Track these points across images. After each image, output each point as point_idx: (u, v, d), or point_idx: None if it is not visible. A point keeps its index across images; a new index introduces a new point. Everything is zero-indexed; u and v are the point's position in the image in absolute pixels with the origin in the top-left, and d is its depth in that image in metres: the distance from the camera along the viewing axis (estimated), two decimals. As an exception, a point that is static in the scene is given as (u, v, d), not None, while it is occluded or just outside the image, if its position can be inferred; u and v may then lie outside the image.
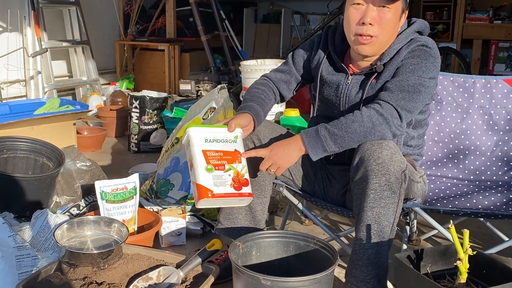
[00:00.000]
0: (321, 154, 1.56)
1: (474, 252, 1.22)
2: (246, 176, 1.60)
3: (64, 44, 4.54)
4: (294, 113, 3.02)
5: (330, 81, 1.75)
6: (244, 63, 3.44)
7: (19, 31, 4.22)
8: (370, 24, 1.59)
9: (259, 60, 3.49)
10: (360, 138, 1.54)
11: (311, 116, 1.97)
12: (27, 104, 3.00)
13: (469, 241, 1.22)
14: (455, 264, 1.22)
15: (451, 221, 1.26)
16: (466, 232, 1.22)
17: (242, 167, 1.60)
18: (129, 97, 3.63)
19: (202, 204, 1.54)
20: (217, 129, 1.63)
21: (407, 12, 1.68)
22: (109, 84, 5.21)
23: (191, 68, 5.65)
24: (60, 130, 2.79)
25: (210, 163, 1.57)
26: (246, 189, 1.58)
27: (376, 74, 1.66)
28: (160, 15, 5.66)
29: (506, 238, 1.87)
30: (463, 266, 1.21)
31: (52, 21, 4.57)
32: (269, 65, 3.34)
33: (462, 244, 1.23)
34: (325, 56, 1.76)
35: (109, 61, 5.53)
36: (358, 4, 1.61)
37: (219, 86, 2.37)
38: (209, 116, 2.24)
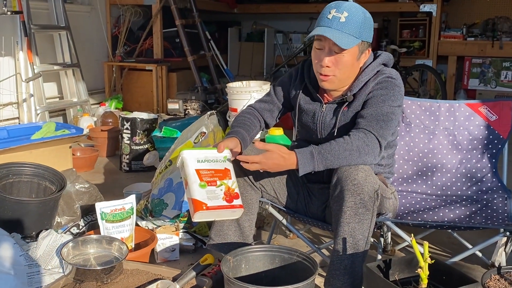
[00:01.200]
0: (308, 171, 1.74)
1: (432, 261, 1.42)
2: (237, 190, 1.78)
3: (56, 67, 4.68)
4: (278, 131, 3.21)
5: (307, 109, 1.95)
6: (230, 85, 3.63)
7: (12, 56, 4.37)
8: (328, 66, 1.80)
9: (244, 82, 3.68)
10: (346, 163, 1.73)
11: (293, 139, 2.17)
12: (24, 128, 3.15)
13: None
14: (416, 271, 1.42)
15: (412, 234, 1.46)
16: (426, 244, 1.41)
17: (232, 183, 1.78)
18: (120, 119, 3.80)
19: (198, 217, 1.70)
20: (208, 151, 1.80)
21: (369, 49, 1.87)
22: (98, 104, 5.37)
23: (178, 87, 5.82)
24: (57, 153, 2.95)
25: (203, 180, 1.74)
26: (237, 202, 1.75)
27: (347, 103, 1.87)
28: (147, 37, 5.81)
29: (470, 246, 2.07)
30: (424, 273, 1.41)
31: (43, 45, 4.72)
32: (253, 87, 3.53)
33: (423, 254, 1.43)
34: (302, 87, 1.97)
35: (98, 82, 5.68)
36: (319, 48, 1.82)
37: (208, 113, 2.57)
38: (200, 140, 2.43)
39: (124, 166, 3.75)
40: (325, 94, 1.95)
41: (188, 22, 5.73)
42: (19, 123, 4.36)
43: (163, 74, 5.62)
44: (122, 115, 3.82)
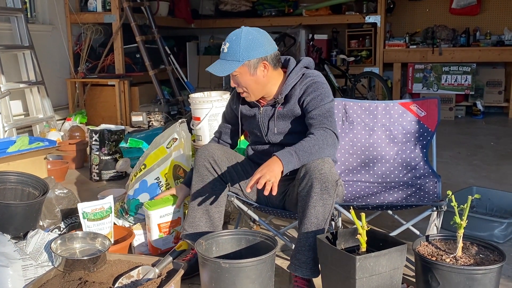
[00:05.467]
0: (292, 168, 1.99)
1: (368, 228, 1.74)
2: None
3: (21, 85, 4.84)
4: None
5: (248, 114, 2.32)
6: (193, 95, 3.89)
7: (-22, 75, 4.51)
8: (234, 86, 2.20)
9: (205, 93, 3.95)
10: (316, 156, 2.03)
11: (249, 143, 2.48)
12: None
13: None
14: (356, 237, 1.73)
15: (351, 206, 1.78)
16: (363, 215, 1.74)
17: (181, 227, 2.41)
18: (89, 131, 4.01)
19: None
20: (168, 207, 2.44)
21: (265, 62, 2.15)
22: (63, 119, 5.53)
23: (141, 100, 6.04)
24: (33, 164, 3.15)
25: (161, 231, 2.45)
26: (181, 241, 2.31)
27: (279, 104, 2.22)
28: (108, 53, 6.01)
29: (404, 222, 2.42)
30: (362, 238, 1.73)
31: (8, 64, 4.87)
32: (214, 96, 3.81)
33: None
34: (241, 100, 2.34)
35: (61, 98, 5.84)
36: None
37: (180, 121, 2.84)
38: (172, 145, 2.69)
39: (94, 176, 3.95)
40: (260, 100, 2.30)
41: (148, 38, 5.98)
42: (-13, 140, 4.49)
43: (126, 88, 5.82)
44: (91, 128, 4.03)
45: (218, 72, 2.11)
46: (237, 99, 2.36)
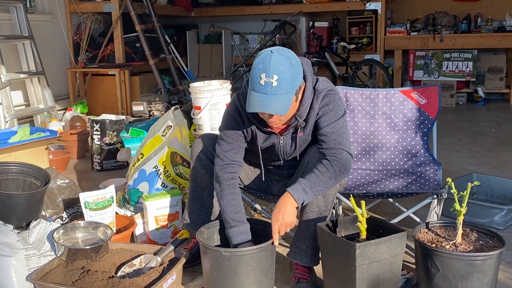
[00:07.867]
0: (306, 202, 1.92)
1: (368, 215, 1.74)
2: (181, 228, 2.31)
3: (22, 75, 4.84)
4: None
5: (266, 145, 2.13)
6: (193, 84, 3.87)
7: (-22, 66, 4.50)
8: (274, 121, 1.92)
9: (206, 82, 3.93)
10: (331, 186, 1.92)
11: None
12: (0, 134, 3.34)
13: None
14: (356, 224, 1.74)
15: (351, 194, 1.78)
16: (363, 202, 1.74)
17: (179, 222, 2.41)
18: (90, 121, 4.02)
19: None
20: (165, 199, 2.44)
21: (303, 83, 1.92)
22: (64, 109, 5.53)
23: (141, 90, 6.03)
24: (34, 154, 3.16)
25: (158, 224, 2.44)
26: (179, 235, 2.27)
27: (300, 128, 2.04)
28: (108, 43, 5.99)
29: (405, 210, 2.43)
30: (362, 226, 1.74)
31: (8, 54, 4.86)
32: (215, 85, 3.78)
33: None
34: (253, 126, 2.06)
35: (62, 88, 5.84)
36: None
37: (173, 108, 2.84)
38: (167, 133, 2.70)
39: (95, 165, 3.96)
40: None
41: (147, 27, 5.95)
42: (-11, 131, 4.49)
43: (126, 78, 5.81)
44: (92, 118, 4.03)
45: (280, 111, 1.80)
46: (248, 124, 2.06)
